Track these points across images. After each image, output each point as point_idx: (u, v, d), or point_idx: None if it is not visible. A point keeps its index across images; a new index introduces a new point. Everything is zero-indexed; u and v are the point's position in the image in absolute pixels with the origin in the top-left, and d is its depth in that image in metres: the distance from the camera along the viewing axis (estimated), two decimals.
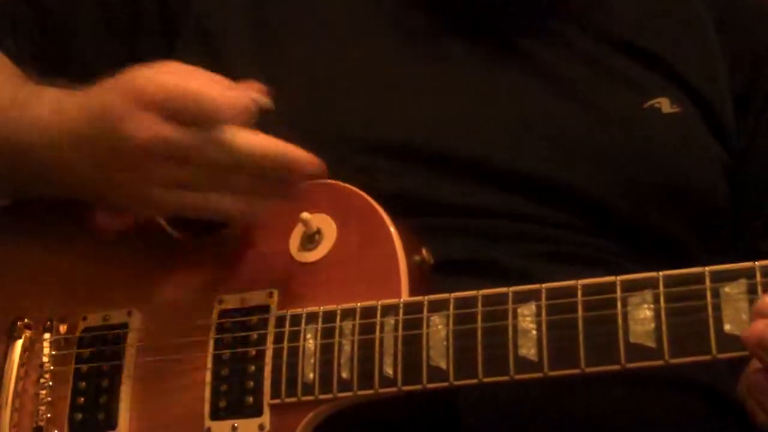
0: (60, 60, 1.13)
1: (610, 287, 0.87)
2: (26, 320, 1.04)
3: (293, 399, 0.94)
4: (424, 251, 0.97)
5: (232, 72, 0.97)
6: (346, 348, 0.93)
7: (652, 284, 0.86)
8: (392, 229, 0.97)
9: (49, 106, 0.97)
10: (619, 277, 0.87)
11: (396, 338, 0.92)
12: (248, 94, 0.91)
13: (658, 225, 0.92)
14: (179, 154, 0.90)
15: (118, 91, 0.91)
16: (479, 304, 0.90)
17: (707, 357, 0.83)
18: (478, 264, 0.94)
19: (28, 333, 1.03)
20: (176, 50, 1.10)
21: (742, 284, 0.83)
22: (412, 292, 0.94)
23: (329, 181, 1.00)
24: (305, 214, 0.98)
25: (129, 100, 0.90)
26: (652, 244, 0.99)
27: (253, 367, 0.96)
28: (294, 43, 1.07)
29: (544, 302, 0.88)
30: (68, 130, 0.95)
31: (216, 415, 0.96)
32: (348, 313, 0.94)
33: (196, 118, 0.89)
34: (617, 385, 0.94)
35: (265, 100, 0.92)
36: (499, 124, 1.03)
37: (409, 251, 0.96)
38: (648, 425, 0.96)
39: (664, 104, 1.05)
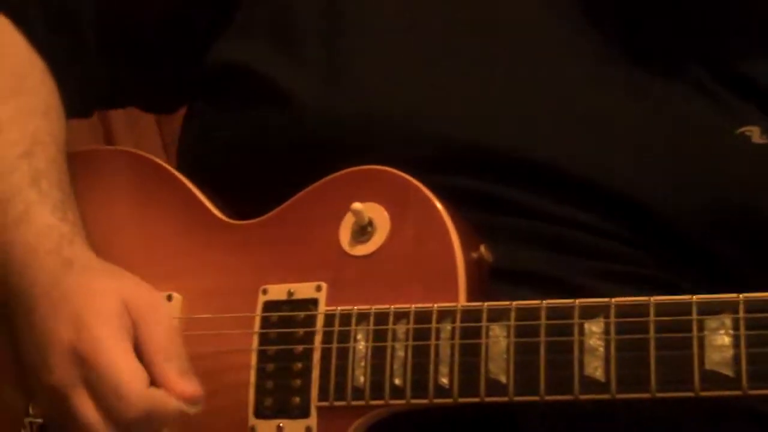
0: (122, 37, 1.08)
1: (686, 308, 0.82)
2: None
3: (342, 403, 0.90)
4: (482, 248, 0.92)
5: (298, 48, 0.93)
6: (399, 353, 0.88)
7: (731, 308, 0.80)
8: (449, 223, 0.91)
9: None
10: (695, 297, 0.82)
11: (453, 346, 0.87)
12: (173, 403, 0.88)
13: (724, 253, 0.86)
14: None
15: (67, 320, 0.89)
16: (543, 316, 0.85)
17: None
18: (540, 275, 0.88)
19: None
20: (244, 11, 1.04)
21: None
22: (470, 292, 0.89)
23: (382, 167, 0.94)
24: (356, 204, 0.92)
25: (66, 338, 0.89)
26: (715, 272, 0.93)
27: (300, 365, 0.92)
28: (362, 28, 1.00)
29: (613, 319, 0.83)
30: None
31: (261, 413, 0.92)
32: (401, 316, 0.89)
33: (105, 403, 0.87)
34: (688, 413, 0.90)
35: (192, 408, 0.88)
36: (585, 135, 0.96)
37: (467, 247, 0.91)
38: None
39: (755, 133, 0.98)
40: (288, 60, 0.99)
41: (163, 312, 0.92)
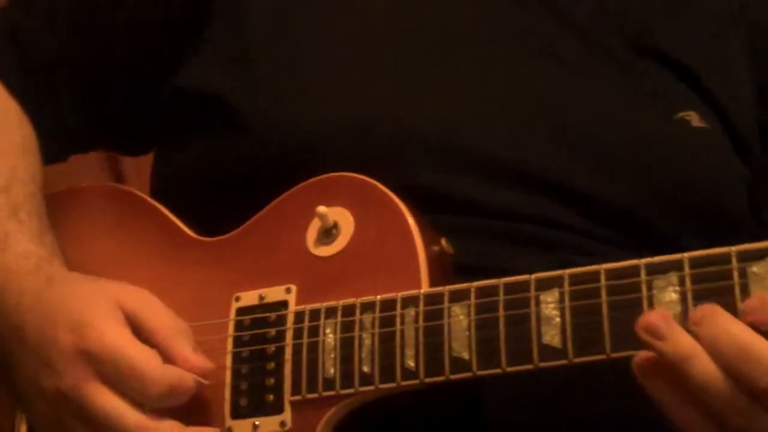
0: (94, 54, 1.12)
1: (634, 271, 0.85)
2: None
3: (314, 395, 0.92)
4: (443, 241, 0.96)
5: (261, 62, 0.98)
6: (367, 341, 0.91)
7: (677, 266, 0.84)
8: (410, 220, 0.95)
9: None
10: (643, 260, 0.85)
11: (417, 330, 0.90)
12: (190, 375, 0.92)
13: (675, 235, 0.90)
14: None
15: (65, 325, 0.92)
16: (501, 293, 0.88)
17: None
18: (496, 268, 0.92)
19: None
20: (205, 37, 1.08)
21: None
22: (433, 282, 0.93)
23: (344, 174, 0.98)
24: (321, 208, 0.96)
25: (69, 342, 0.91)
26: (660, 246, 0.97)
27: (273, 364, 0.95)
28: (313, 34, 1.05)
29: (567, 288, 0.86)
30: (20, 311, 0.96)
31: (237, 413, 0.95)
32: (368, 306, 0.92)
33: (124, 387, 0.90)
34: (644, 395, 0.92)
35: (206, 381, 0.93)
36: (525, 126, 1.00)
37: (428, 242, 0.95)
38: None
39: (694, 118, 1.03)
40: (241, 82, 1.03)
41: (155, 299, 0.95)
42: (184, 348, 0.92)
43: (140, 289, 0.96)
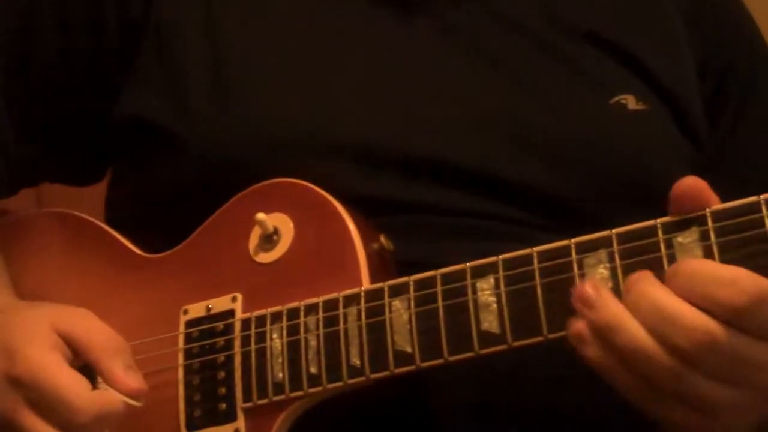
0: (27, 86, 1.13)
1: (565, 251, 0.86)
2: None
3: (265, 400, 0.93)
4: (382, 238, 0.97)
5: (189, 84, 0.99)
6: (312, 343, 0.92)
7: (606, 243, 0.85)
8: (347, 220, 0.96)
9: None
10: (573, 240, 0.86)
11: (360, 327, 0.91)
12: (118, 397, 0.91)
13: (619, 220, 0.90)
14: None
15: (3, 356, 0.92)
16: (438, 283, 0.89)
17: None
18: (435, 264, 0.92)
19: None
20: (137, 64, 1.08)
21: (694, 232, 0.82)
22: (374, 280, 0.94)
23: (282, 179, 0.99)
24: (260, 215, 0.97)
25: (1, 369, 0.92)
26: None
27: (223, 373, 0.95)
28: (241, 49, 1.05)
29: (501, 274, 0.87)
30: None
31: (191, 425, 0.96)
32: (311, 308, 0.93)
33: (52, 415, 0.90)
34: (588, 379, 0.93)
35: (137, 402, 0.92)
36: (458, 121, 1.00)
37: (367, 240, 0.96)
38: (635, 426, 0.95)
39: (630, 101, 1.02)
40: (174, 103, 1.04)
41: (93, 317, 0.95)
42: (116, 367, 0.92)
43: (77, 309, 0.97)
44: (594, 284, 0.80)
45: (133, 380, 0.92)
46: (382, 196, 0.98)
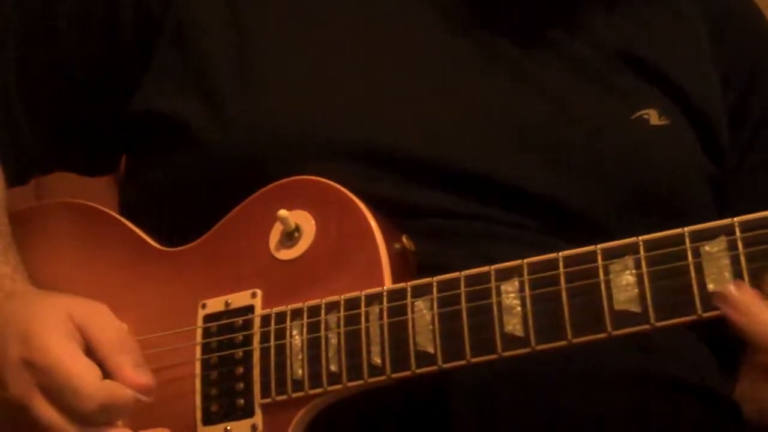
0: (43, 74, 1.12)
1: (591, 256, 0.86)
2: None
3: (284, 397, 0.93)
4: (404, 239, 0.97)
5: (210, 79, 0.99)
6: (333, 341, 0.92)
7: (632, 250, 0.85)
8: (371, 220, 0.96)
9: None
10: (599, 246, 0.86)
11: (382, 326, 0.91)
12: (128, 392, 0.92)
13: (636, 233, 0.91)
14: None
15: (15, 337, 0.93)
16: (462, 285, 0.89)
17: (693, 317, 0.83)
18: (437, 266, 0.92)
19: None
20: (157, 61, 1.08)
21: (722, 242, 0.83)
22: (396, 280, 0.94)
23: (305, 177, 0.99)
24: (282, 212, 0.97)
25: (16, 353, 0.92)
26: None
27: (241, 369, 0.95)
28: (269, 47, 1.05)
29: (526, 277, 0.88)
30: None
31: (208, 419, 0.96)
32: (332, 306, 0.93)
33: (61, 401, 0.91)
34: (608, 385, 0.93)
35: (145, 397, 0.93)
36: (478, 129, 1.01)
37: (389, 240, 0.96)
38: (640, 427, 0.95)
39: (653, 116, 1.02)
40: (197, 98, 1.04)
41: (108, 313, 0.96)
42: (125, 363, 0.93)
43: (93, 302, 0.97)
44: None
45: (142, 376, 0.93)
46: (400, 199, 0.98)
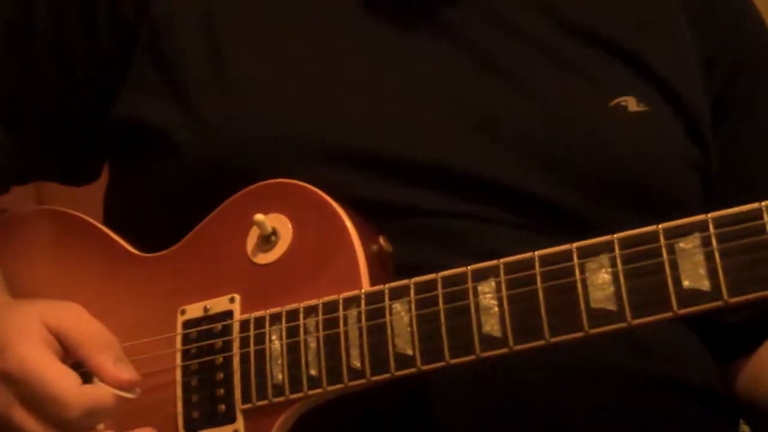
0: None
1: (567, 255, 0.86)
2: None
3: (264, 402, 0.93)
4: (381, 240, 0.97)
5: (183, 84, 0.99)
6: (312, 345, 0.92)
7: (608, 248, 0.85)
8: (347, 221, 0.96)
9: None
10: (575, 244, 0.86)
11: (360, 330, 0.91)
12: (109, 391, 0.92)
13: (620, 225, 0.90)
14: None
15: None
16: (440, 286, 0.89)
17: (669, 314, 0.83)
18: (432, 267, 0.92)
19: None
20: (134, 66, 1.08)
21: (696, 238, 0.83)
22: (374, 281, 0.94)
23: (280, 180, 0.99)
24: (259, 216, 0.97)
25: None
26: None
27: (222, 375, 0.95)
28: (241, 50, 1.04)
29: (503, 277, 0.88)
30: None
31: (189, 426, 0.96)
32: (311, 310, 0.93)
33: (43, 411, 0.91)
34: (602, 383, 0.93)
35: (131, 394, 0.93)
36: (453, 125, 1.00)
37: (366, 241, 0.96)
38: (637, 427, 0.95)
39: (631, 103, 1.01)
40: (174, 106, 1.03)
41: (82, 311, 0.96)
42: (106, 361, 0.92)
43: (67, 303, 0.97)
44: None
45: (124, 372, 0.93)
46: (379, 199, 0.98)
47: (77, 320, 0.95)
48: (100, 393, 0.91)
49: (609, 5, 1.08)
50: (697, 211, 0.84)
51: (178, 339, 0.98)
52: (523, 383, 0.93)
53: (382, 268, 0.96)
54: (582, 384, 0.94)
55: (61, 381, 0.91)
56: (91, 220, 1.09)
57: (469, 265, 0.90)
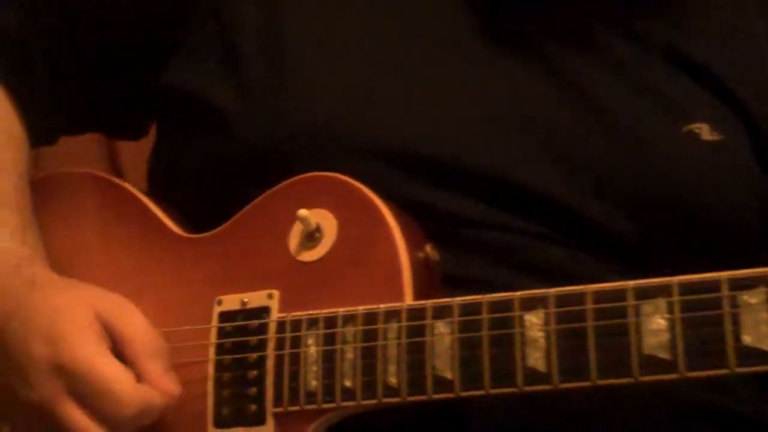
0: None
1: (622, 294, 0.82)
2: None
3: (296, 407, 0.91)
4: (428, 247, 0.92)
5: (242, 65, 0.96)
6: (349, 355, 0.89)
7: (666, 292, 0.80)
8: (393, 225, 0.92)
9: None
10: (630, 283, 0.82)
11: (400, 346, 0.88)
12: (159, 395, 0.90)
13: (676, 258, 0.84)
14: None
15: (40, 335, 0.91)
16: (485, 311, 0.85)
17: (725, 371, 0.78)
18: (476, 281, 0.89)
19: None
20: (191, 39, 1.04)
21: (762, 293, 0.78)
22: (417, 291, 0.90)
23: (327, 174, 0.95)
24: (303, 211, 0.93)
25: (43, 354, 0.90)
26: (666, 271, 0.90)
27: (255, 373, 0.93)
28: (303, 42, 1.00)
29: (552, 310, 0.83)
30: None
31: (219, 422, 0.94)
32: (349, 318, 0.90)
33: (96, 406, 0.89)
34: (652, 411, 0.89)
35: (172, 402, 0.91)
36: (516, 140, 0.95)
37: (413, 247, 0.92)
38: None
39: (704, 130, 0.94)
40: (229, 83, 1.00)
41: (136, 312, 0.94)
42: (157, 368, 0.91)
43: (119, 299, 0.95)
44: None
45: (171, 385, 0.91)
46: (431, 206, 0.94)
47: (131, 319, 0.93)
48: (153, 394, 0.90)
49: (686, 20, 1.01)
50: (756, 246, 0.79)
51: (213, 332, 0.95)
52: (569, 406, 0.90)
53: (427, 276, 0.92)
54: (632, 411, 0.91)
55: (121, 378, 0.89)
56: (132, 189, 1.06)
57: (517, 280, 0.87)
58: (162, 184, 1.07)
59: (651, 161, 0.94)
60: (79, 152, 1.14)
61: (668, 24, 1.00)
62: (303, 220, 0.93)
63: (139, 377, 0.91)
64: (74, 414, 0.89)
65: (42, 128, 1.10)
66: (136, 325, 0.93)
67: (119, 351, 0.92)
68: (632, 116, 0.95)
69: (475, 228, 0.93)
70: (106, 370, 0.89)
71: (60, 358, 0.90)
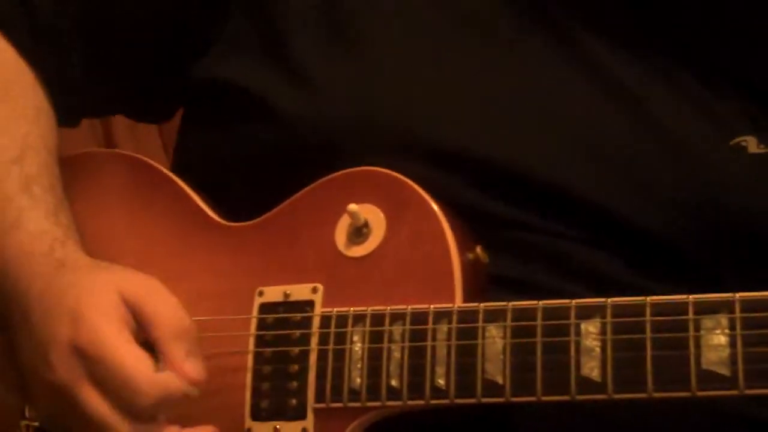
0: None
1: (682, 308, 0.81)
2: None
3: (339, 404, 0.90)
4: (478, 249, 0.91)
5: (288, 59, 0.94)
6: (396, 354, 0.88)
7: (727, 308, 0.80)
8: (445, 224, 0.91)
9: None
10: (691, 297, 0.81)
11: (449, 347, 0.87)
12: (179, 383, 0.88)
13: (726, 270, 0.83)
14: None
15: (64, 316, 0.89)
16: (539, 317, 0.85)
17: None
18: (526, 285, 0.88)
19: None
20: (230, 27, 1.03)
21: None
22: (466, 292, 0.89)
23: (377, 169, 0.93)
24: (353, 206, 0.92)
25: (65, 335, 0.88)
26: (701, 283, 0.89)
27: (296, 367, 0.92)
28: (356, 35, 0.99)
29: (609, 319, 0.83)
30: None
31: (257, 415, 0.92)
32: (398, 317, 0.89)
33: (114, 393, 0.87)
34: (692, 417, 0.89)
35: (194, 391, 0.88)
36: (563, 143, 0.94)
37: (463, 248, 0.91)
38: None
39: (751, 144, 0.94)
40: (277, 73, 0.98)
41: (163, 292, 0.91)
42: (179, 351, 0.88)
43: (147, 279, 0.92)
44: None
45: (193, 369, 0.89)
46: (482, 208, 0.93)
47: (156, 299, 0.90)
48: (172, 383, 0.87)
49: (732, 29, 1.00)
50: None
51: (253, 323, 0.94)
52: (613, 410, 0.89)
53: (475, 278, 0.91)
54: (672, 417, 0.90)
55: (139, 365, 0.87)
56: (171, 174, 1.04)
57: (567, 286, 0.87)
58: (193, 172, 1.05)
59: (696, 174, 0.94)
60: (72, 135, 1.11)
61: (720, 41, 0.99)
62: (352, 214, 0.92)
63: (161, 360, 0.89)
64: (93, 399, 0.87)
65: (68, 108, 1.07)
66: (162, 306, 0.90)
67: (145, 334, 0.90)
68: (679, 128, 0.95)
69: (528, 232, 0.92)
70: (125, 357, 0.87)
71: (81, 340, 0.88)
